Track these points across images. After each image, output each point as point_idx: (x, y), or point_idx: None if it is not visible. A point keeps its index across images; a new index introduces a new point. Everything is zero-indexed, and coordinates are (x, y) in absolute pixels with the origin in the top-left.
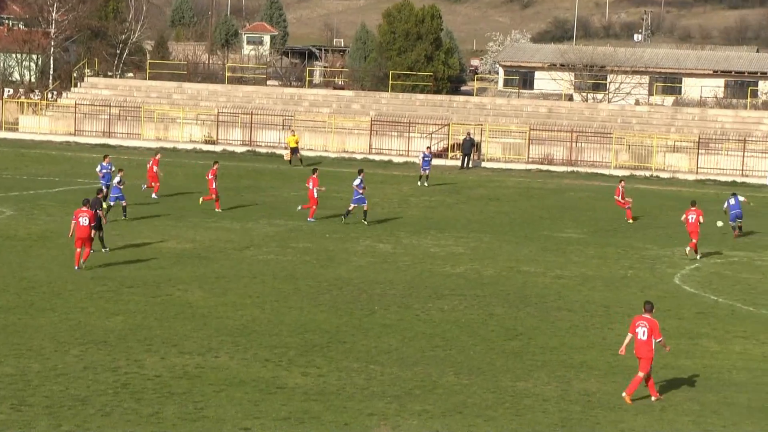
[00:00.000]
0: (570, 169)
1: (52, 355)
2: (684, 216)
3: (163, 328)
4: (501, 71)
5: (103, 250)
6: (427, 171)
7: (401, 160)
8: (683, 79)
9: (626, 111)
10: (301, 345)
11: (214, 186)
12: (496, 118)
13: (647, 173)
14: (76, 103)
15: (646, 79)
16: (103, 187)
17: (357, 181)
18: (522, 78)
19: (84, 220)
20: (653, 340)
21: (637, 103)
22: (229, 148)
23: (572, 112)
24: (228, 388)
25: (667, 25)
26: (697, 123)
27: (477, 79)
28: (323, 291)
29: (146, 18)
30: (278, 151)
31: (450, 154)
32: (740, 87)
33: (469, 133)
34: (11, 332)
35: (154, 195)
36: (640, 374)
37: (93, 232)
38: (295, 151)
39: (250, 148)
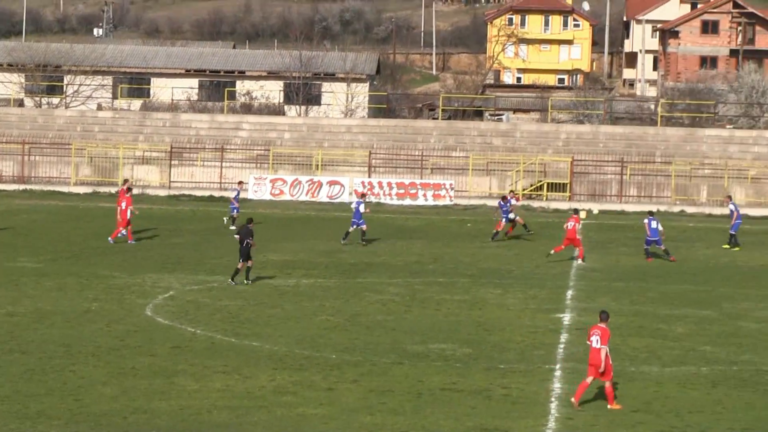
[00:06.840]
0: (22, 186)
1: None
2: None
3: None
4: None
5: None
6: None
7: None
8: (152, 79)
9: (87, 117)
10: None
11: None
12: None
13: (110, 189)
14: None
15: (109, 80)
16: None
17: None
18: None
19: None
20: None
21: (100, 108)
22: None
23: (24, 120)
24: None
25: (132, 19)
26: (169, 130)
27: None
28: None
29: None
30: None
31: None
32: (216, 88)
33: None
34: None
35: None
36: (588, 380)
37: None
38: None
39: None
